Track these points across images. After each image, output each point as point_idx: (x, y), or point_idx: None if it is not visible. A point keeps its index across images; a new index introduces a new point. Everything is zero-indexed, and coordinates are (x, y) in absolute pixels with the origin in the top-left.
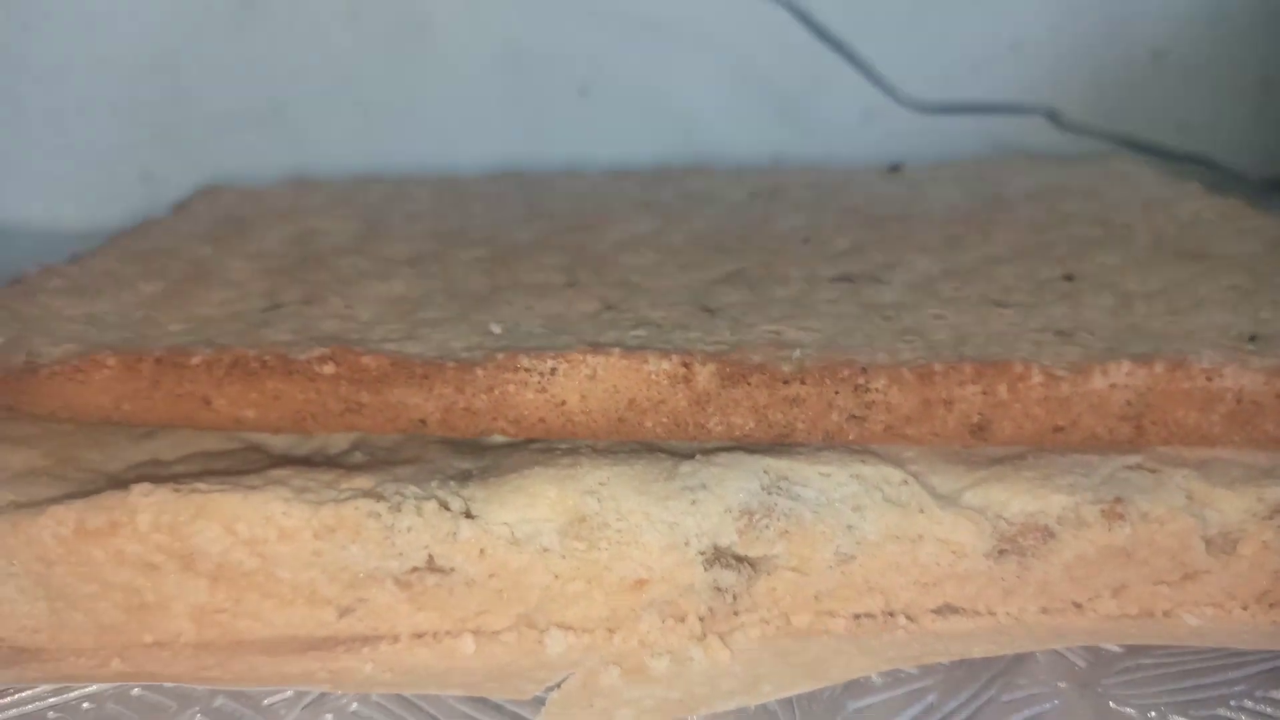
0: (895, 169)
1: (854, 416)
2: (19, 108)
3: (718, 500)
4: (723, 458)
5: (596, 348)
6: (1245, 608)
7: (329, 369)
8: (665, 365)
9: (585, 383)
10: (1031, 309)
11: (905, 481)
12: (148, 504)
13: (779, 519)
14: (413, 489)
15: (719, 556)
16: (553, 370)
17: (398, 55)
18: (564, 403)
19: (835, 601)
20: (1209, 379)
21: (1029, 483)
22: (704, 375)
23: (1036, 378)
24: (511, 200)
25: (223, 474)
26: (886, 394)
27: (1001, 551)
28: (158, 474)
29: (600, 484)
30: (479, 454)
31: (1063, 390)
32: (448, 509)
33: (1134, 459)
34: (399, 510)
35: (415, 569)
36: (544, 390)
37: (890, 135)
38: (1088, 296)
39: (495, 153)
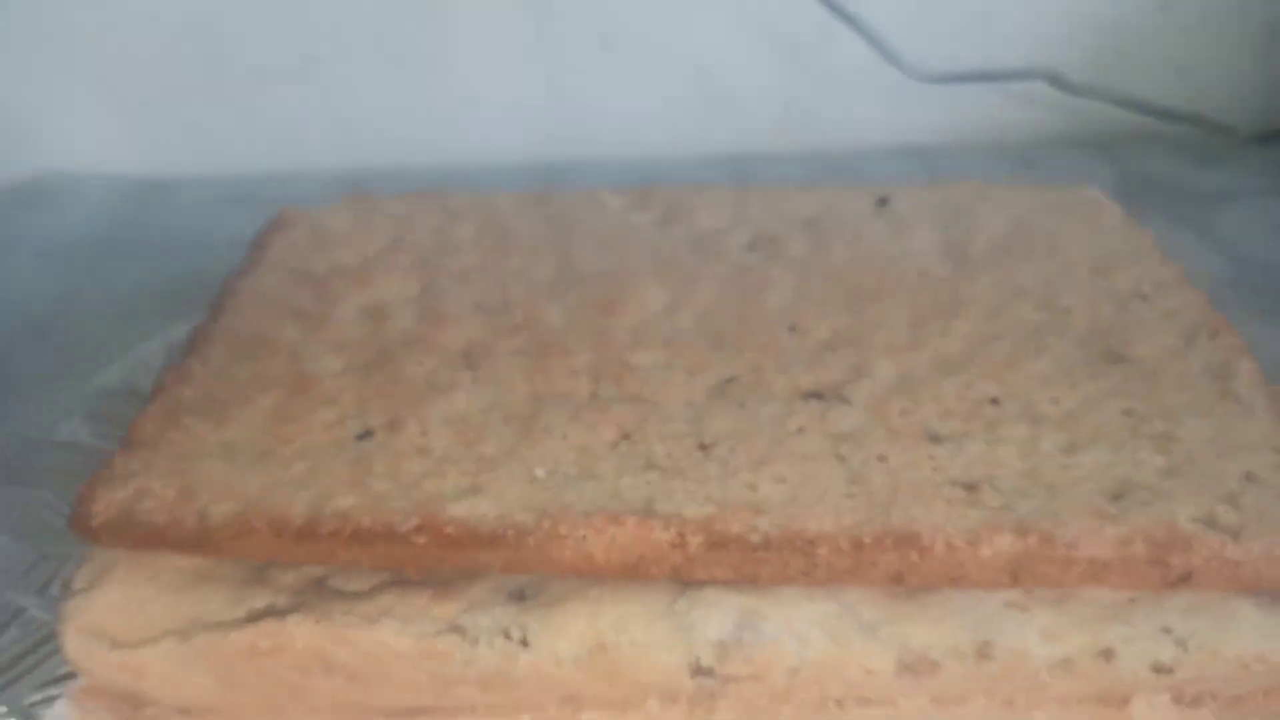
0: (883, 202)
1: (804, 571)
2: (72, 65)
3: (701, 634)
4: (710, 594)
5: (615, 518)
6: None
7: (421, 539)
8: (666, 535)
9: (607, 544)
10: (956, 447)
11: (840, 615)
12: (300, 633)
13: (745, 648)
14: (485, 622)
15: (701, 670)
16: (584, 537)
17: (423, 10)
18: (591, 557)
19: (787, 696)
20: (1069, 549)
21: (929, 620)
22: (694, 544)
23: (939, 548)
24: (543, 248)
25: (351, 597)
26: (829, 558)
27: (905, 669)
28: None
29: (618, 620)
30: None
31: (958, 556)
32: (509, 638)
33: (1010, 596)
34: (476, 644)
35: (486, 675)
36: (578, 550)
37: (900, 85)
38: (1006, 427)
39: (519, 101)
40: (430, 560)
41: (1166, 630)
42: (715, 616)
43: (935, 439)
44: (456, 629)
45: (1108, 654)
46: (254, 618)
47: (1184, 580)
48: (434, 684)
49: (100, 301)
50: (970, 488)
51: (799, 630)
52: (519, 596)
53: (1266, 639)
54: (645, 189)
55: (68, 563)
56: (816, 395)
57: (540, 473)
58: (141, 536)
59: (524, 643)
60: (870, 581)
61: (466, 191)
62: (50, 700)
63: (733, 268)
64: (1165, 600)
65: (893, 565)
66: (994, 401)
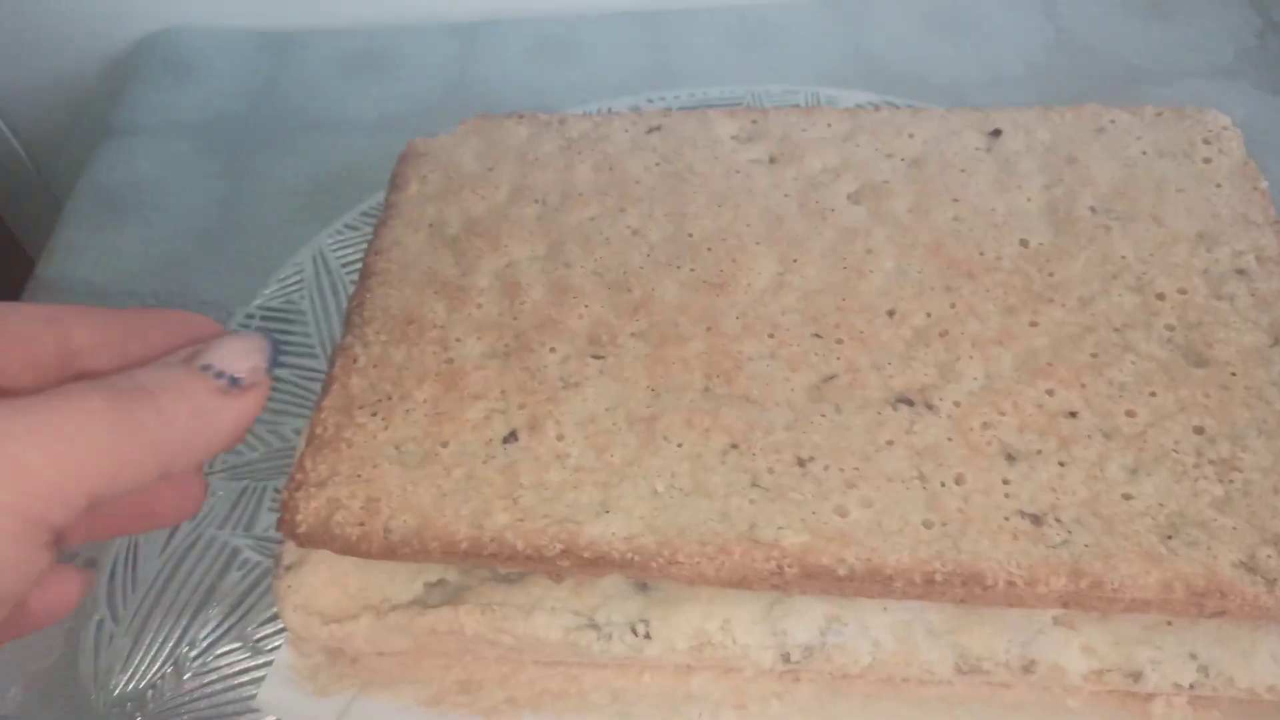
0: (995, 134)
1: (879, 594)
2: None
3: (791, 638)
4: (799, 603)
5: (725, 548)
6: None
7: (565, 562)
8: (767, 566)
9: (718, 569)
10: (1029, 469)
11: (909, 624)
12: (469, 622)
13: (828, 649)
14: (616, 618)
15: (790, 663)
16: (698, 564)
17: None
18: (703, 575)
19: (863, 681)
20: (1115, 591)
21: (985, 635)
22: (790, 573)
23: (1001, 585)
24: (658, 199)
25: (507, 583)
26: (903, 589)
27: (960, 672)
28: (467, 577)
29: (724, 622)
30: None
31: (1017, 591)
32: (635, 634)
33: (1060, 612)
34: (609, 639)
35: (617, 658)
36: (693, 571)
37: None
38: (1079, 445)
39: None
40: (568, 573)
41: (1193, 656)
42: (803, 623)
43: (1011, 458)
44: (593, 625)
45: (1136, 675)
46: (430, 590)
47: (1218, 614)
48: (576, 656)
49: (253, 204)
50: (1036, 520)
51: (873, 634)
52: (643, 587)
53: (1279, 671)
54: (756, 114)
55: (265, 497)
56: (907, 401)
57: (660, 487)
58: (338, 547)
59: (647, 636)
60: (936, 600)
61: (582, 118)
62: (274, 635)
63: (840, 231)
64: (1199, 625)
65: (958, 595)
66: (1072, 415)
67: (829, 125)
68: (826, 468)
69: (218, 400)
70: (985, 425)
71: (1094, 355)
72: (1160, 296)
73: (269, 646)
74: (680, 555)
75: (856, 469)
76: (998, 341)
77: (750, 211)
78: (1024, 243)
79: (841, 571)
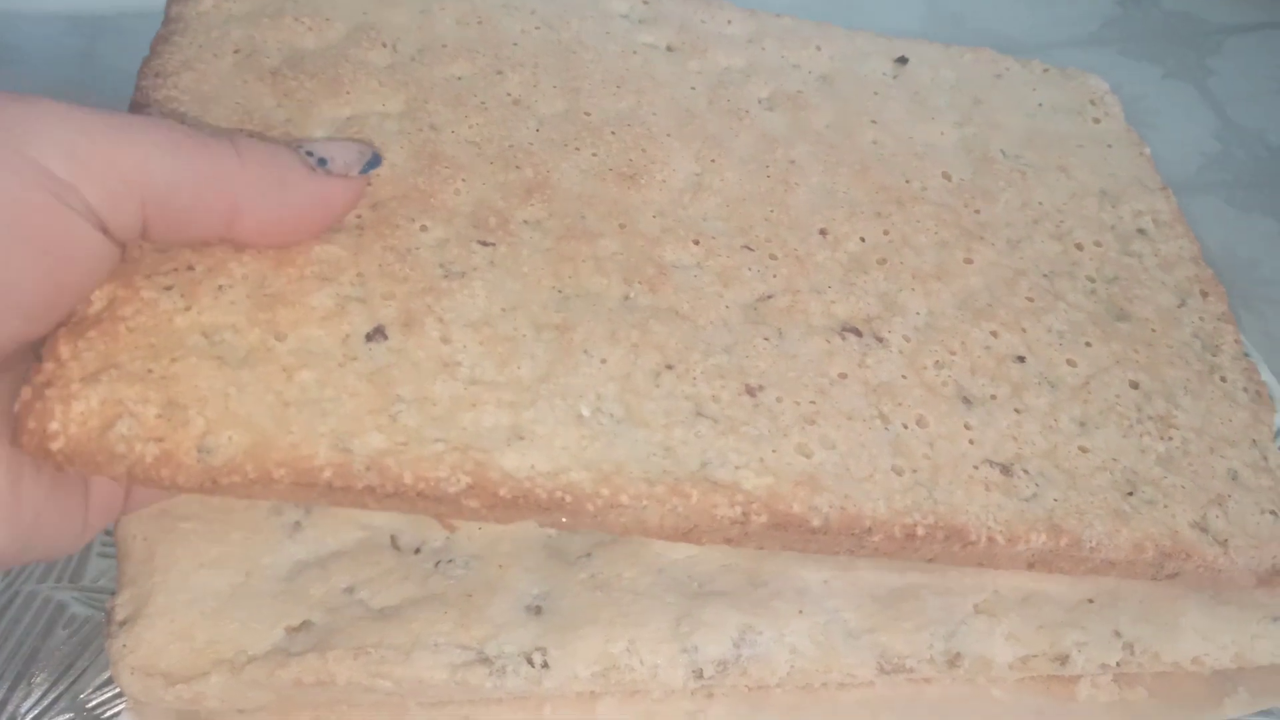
0: (902, 61)
1: (850, 549)
2: None
3: (703, 654)
4: (710, 613)
5: (679, 489)
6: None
7: (473, 502)
8: (730, 513)
9: (666, 515)
10: (987, 415)
11: (826, 627)
12: (341, 669)
13: (742, 662)
14: (509, 649)
15: (703, 679)
16: (644, 507)
17: None
18: (645, 524)
19: (781, 691)
20: (1092, 550)
21: (906, 631)
22: (757, 522)
23: (983, 542)
24: (543, 68)
25: (381, 619)
26: (881, 544)
27: (883, 673)
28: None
29: (628, 643)
30: (546, 578)
31: (996, 549)
32: (532, 664)
33: (981, 600)
34: (503, 672)
35: (513, 693)
36: (634, 518)
37: None
38: (1029, 392)
39: None
40: (479, 519)
41: (1117, 634)
42: (715, 636)
43: (968, 401)
44: (483, 659)
45: (1063, 659)
46: (293, 636)
47: (1171, 576)
48: (467, 695)
49: None
50: (1004, 469)
51: (790, 641)
52: (536, 612)
53: (1203, 643)
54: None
55: (93, 542)
56: (854, 330)
57: (585, 411)
58: (121, 470)
59: (545, 665)
60: (906, 559)
61: None
62: (113, 701)
63: (758, 136)
64: (1120, 601)
65: (934, 552)
66: (1020, 360)
67: (729, 22)
68: (780, 400)
69: (302, 173)
70: (938, 365)
71: (1030, 300)
72: (1079, 247)
73: (106, 715)
74: (624, 496)
75: (813, 403)
76: (936, 276)
77: (656, 100)
78: (946, 176)
79: (815, 522)
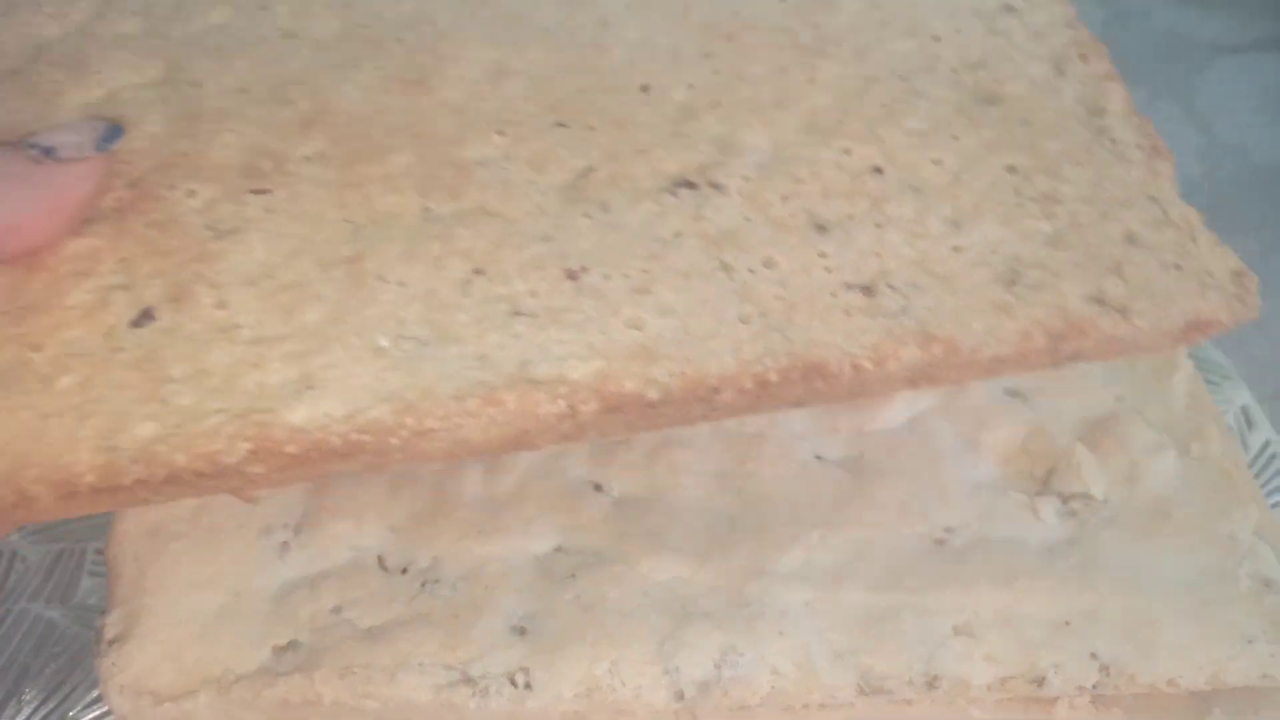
0: None
1: (704, 415)
2: None
3: (686, 675)
4: (693, 634)
5: (492, 397)
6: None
7: (258, 467)
8: (554, 409)
9: (486, 426)
10: (845, 236)
11: (808, 648)
12: (327, 689)
13: (724, 683)
14: (493, 669)
15: (686, 700)
16: (459, 425)
17: None
18: (467, 440)
19: (763, 711)
20: (973, 352)
21: (887, 653)
22: (587, 411)
23: (846, 372)
24: None
25: (369, 638)
26: (733, 401)
27: (863, 694)
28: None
29: (612, 663)
30: (532, 599)
31: (865, 375)
32: (515, 685)
33: (959, 621)
34: (486, 694)
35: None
36: (452, 439)
37: None
38: (891, 203)
39: None
40: (273, 483)
41: (1094, 656)
42: (697, 657)
43: (822, 228)
44: (467, 680)
45: (1040, 680)
46: (281, 656)
47: (1073, 358)
48: (450, 717)
49: None
50: (867, 290)
51: (771, 662)
52: (521, 633)
53: (1179, 664)
54: None
55: (84, 561)
56: (688, 184)
57: (384, 341)
58: None
59: (528, 686)
60: (770, 409)
61: None
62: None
63: (560, 4)
64: (1098, 623)
65: (797, 395)
66: (876, 171)
67: None
68: (607, 276)
69: (26, 168)
70: (785, 198)
71: (884, 106)
72: (937, 39)
73: None
74: (431, 420)
75: (645, 270)
76: (776, 105)
77: None
78: None
79: (653, 395)
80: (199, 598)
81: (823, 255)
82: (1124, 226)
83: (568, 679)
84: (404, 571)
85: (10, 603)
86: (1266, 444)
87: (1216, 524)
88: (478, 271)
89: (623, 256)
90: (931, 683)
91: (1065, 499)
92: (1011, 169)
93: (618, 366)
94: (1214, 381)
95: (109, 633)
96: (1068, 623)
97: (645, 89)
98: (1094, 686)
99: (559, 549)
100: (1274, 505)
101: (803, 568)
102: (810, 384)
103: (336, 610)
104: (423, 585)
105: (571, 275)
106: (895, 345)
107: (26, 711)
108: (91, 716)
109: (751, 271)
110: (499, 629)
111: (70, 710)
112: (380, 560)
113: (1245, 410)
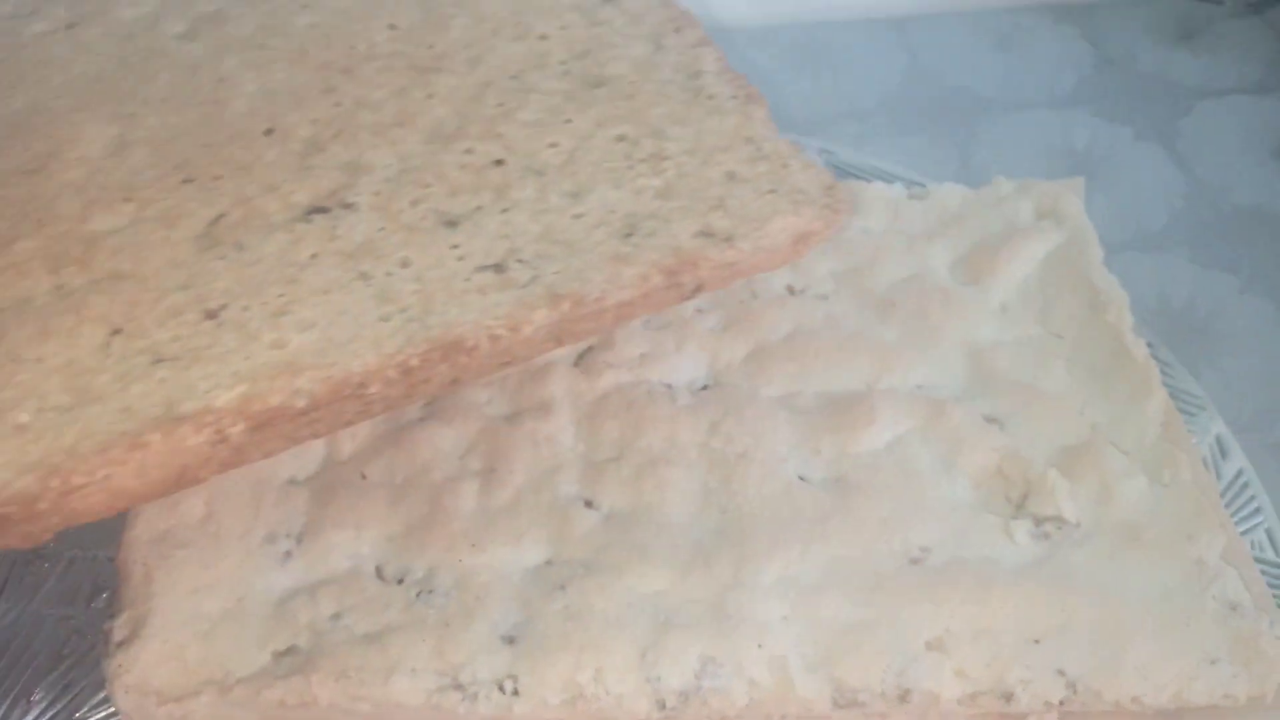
0: None
1: (360, 413)
2: None
3: (666, 684)
4: (674, 644)
5: (138, 443)
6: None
7: None
8: (202, 438)
9: (140, 471)
10: (474, 226)
11: (784, 660)
12: (323, 692)
13: (704, 693)
14: (482, 675)
15: (667, 709)
16: (108, 476)
17: None
18: (125, 489)
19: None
20: (599, 303)
21: (859, 665)
22: (237, 432)
23: (484, 343)
24: None
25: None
26: (383, 393)
27: (837, 706)
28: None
29: (596, 671)
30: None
31: (504, 343)
32: (503, 691)
33: (931, 635)
34: (475, 699)
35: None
36: (105, 489)
37: None
38: (514, 189)
39: None
40: None
41: (1061, 673)
42: (678, 667)
43: (452, 223)
44: (457, 685)
45: (1008, 696)
46: (279, 660)
47: (697, 290)
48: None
49: None
50: (498, 269)
51: (749, 674)
52: (510, 641)
53: (1143, 683)
54: None
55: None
56: (319, 209)
57: (25, 417)
58: None
59: (515, 693)
60: (427, 395)
61: None
62: None
63: (180, 70)
64: (1066, 641)
65: (444, 375)
66: (498, 163)
67: None
68: (245, 308)
69: None
70: (414, 202)
71: (500, 105)
72: (544, 38)
73: None
74: (77, 478)
75: (283, 295)
76: (398, 124)
77: (56, 83)
78: (393, 27)
79: (301, 403)
80: (203, 602)
81: (454, 247)
82: (724, 168)
83: (553, 686)
84: (400, 581)
85: (22, 606)
86: (1239, 473)
87: (1185, 548)
88: (116, 332)
89: (260, 287)
90: (903, 696)
91: (1039, 521)
92: (621, 138)
93: (262, 386)
94: (1189, 412)
95: (116, 635)
96: (1037, 640)
97: (269, 132)
98: (1061, 703)
99: (549, 561)
100: (1245, 532)
101: (781, 582)
102: (454, 360)
103: (335, 617)
104: (418, 594)
105: (211, 315)
106: (527, 310)
107: (35, 711)
108: (99, 717)
109: (388, 274)
110: (489, 637)
111: (78, 711)
112: (378, 570)
113: (1219, 439)
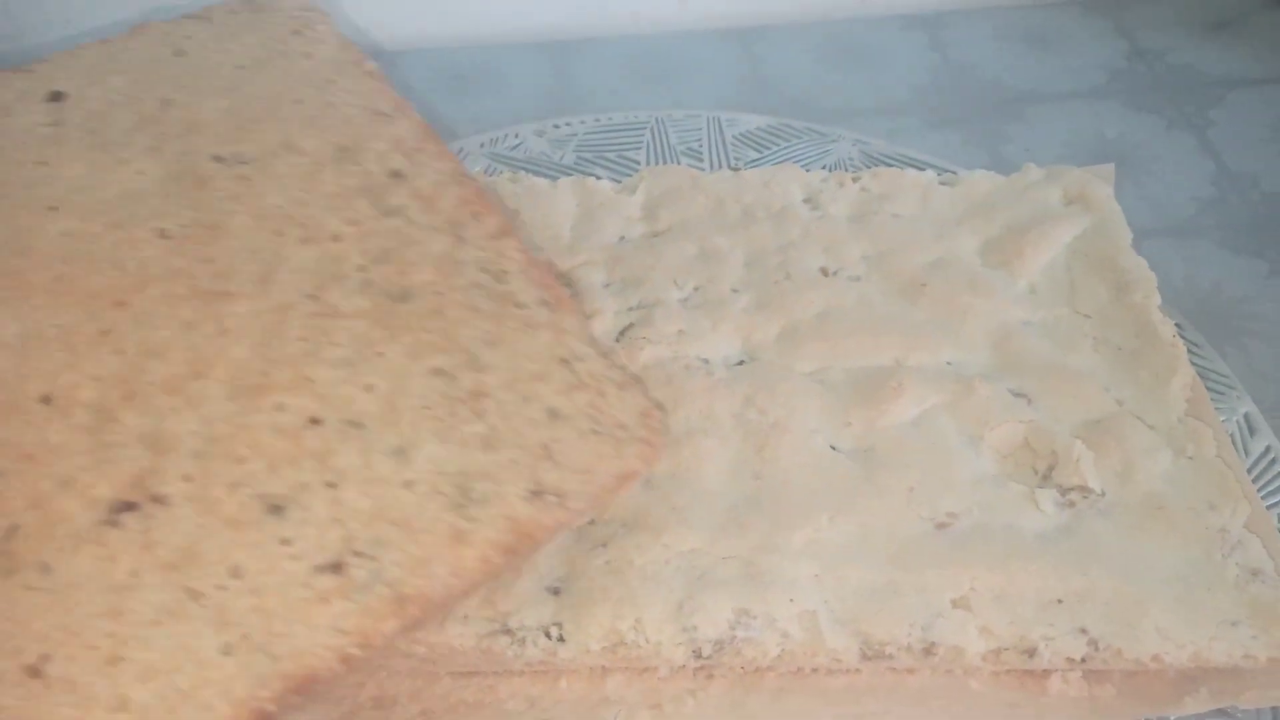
0: (58, 97)
1: None
2: None
3: (702, 634)
4: (709, 598)
5: None
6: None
7: None
8: None
9: None
10: (302, 512)
11: (814, 614)
12: None
13: (737, 643)
14: (529, 622)
15: (702, 658)
16: None
17: None
18: None
19: (774, 675)
20: (445, 600)
21: (887, 621)
22: None
23: (339, 669)
24: None
25: None
26: None
27: (865, 658)
28: None
29: (635, 621)
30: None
31: (356, 661)
32: (549, 636)
33: (957, 593)
34: (523, 643)
35: (532, 663)
36: None
37: None
38: (336, 455)
39: None
40: None
41: (1083, 631)
42: (712, 618)
43: (277, 509)
44: (506, 630)
45: (1031, 651)
46: None
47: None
48: (491, 664)
49: None
50: (335, 568)
51: (781, 626)
52: (555, 591)
53: (1163, 642)
54: None
55: None
56: (127, 506)
57: None
58: None
59: (561, 639)
60: None
61: None
62: None
63: None
64: (1088, 602)
65: (302, 708)
66: (314, 422)
67: None
68: (71, 658)
69: None
70: (232, 486)
71: (303, 340)
72: (336, 239)
73: None
74: None
75: (111, 634)
76: (194, 375)
77: None
78: (163, 234)
79: None
80: None
81: (285, 542)
82: (544, 403)
83: (595, 634)
84: None
85: None
86: (1267, 449)
87: (1208, 517)
88: None
89: (83, 626)
90: (929, 650)
91: (1064, 491)
92: (438, 371)
93: None
94: (1218, 391)
95: None
96: (1060, 601)
97: (47, 400)
98: (1082, 660)
99: (592, 521)
100: (1271, 506)
101: (812, 545)
102: (309, 693)
103: None
104: None
105: (34, 672)
106: (375, 621)
107: None
108: None
109: (221, 588)
110: (536, 588)
111: None
112: None
113: (1248, 417)
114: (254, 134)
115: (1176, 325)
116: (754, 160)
